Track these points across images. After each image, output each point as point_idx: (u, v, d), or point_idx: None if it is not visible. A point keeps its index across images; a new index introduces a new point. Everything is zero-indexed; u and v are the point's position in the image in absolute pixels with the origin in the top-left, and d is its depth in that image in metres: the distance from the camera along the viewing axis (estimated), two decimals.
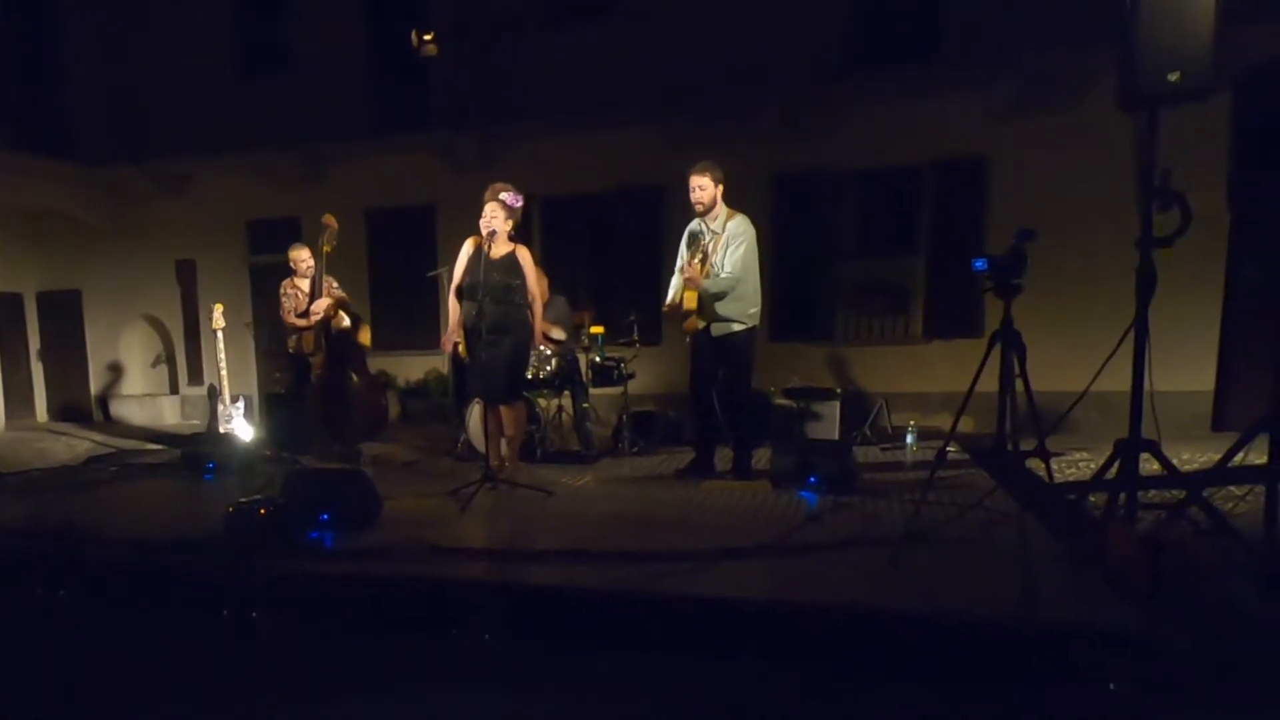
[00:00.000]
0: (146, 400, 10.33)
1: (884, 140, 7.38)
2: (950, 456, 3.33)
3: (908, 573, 2.74)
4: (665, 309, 4.56)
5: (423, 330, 8.79)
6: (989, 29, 6.80)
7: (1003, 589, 2.41)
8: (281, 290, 5.70)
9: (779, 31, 7.50)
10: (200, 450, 5.36)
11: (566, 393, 5.74)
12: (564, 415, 5.94)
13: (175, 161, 9.64)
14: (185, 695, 2.39)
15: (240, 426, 6.22)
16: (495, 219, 4.30)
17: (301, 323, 5.54)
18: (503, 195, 4.33)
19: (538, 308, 4.51)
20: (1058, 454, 5.33)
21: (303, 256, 5.64)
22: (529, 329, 4.47)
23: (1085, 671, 2.19)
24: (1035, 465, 3.23)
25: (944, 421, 3.14)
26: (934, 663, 2.33)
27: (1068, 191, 6.76)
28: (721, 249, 4.31)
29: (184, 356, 10.45)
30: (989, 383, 2.79)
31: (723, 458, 4.71)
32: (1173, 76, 2.90)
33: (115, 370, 10.70)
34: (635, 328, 5.68)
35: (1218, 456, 3.29)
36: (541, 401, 5.70)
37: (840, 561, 2.93)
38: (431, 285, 7.41)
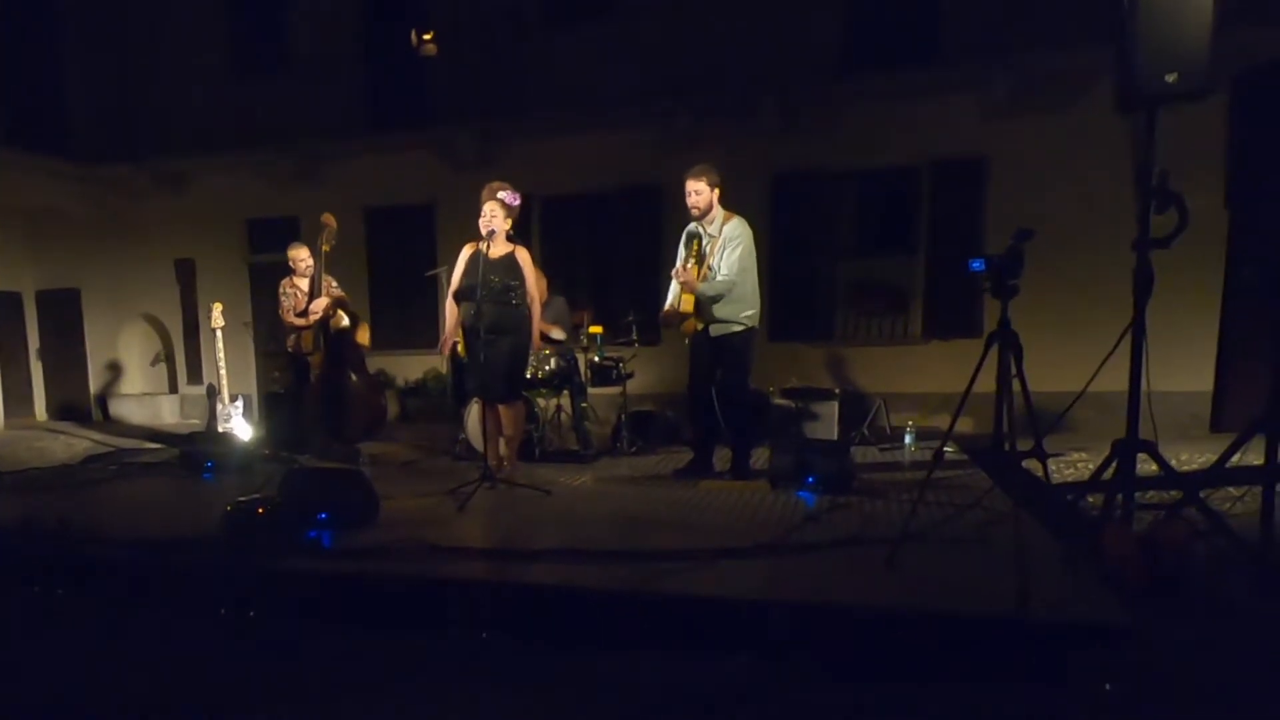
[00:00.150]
0: (145, 399, 10.33)
1: (883, 140, 7.39)
2: (949, 457, 3.34)
3: (905, 572, 2.74)
4: (662, 315, 4.56)
5: (422, 330, 8.80)
6: (988, 29, 6.81)
7: (1000, 588, 2.41)
8: (280, 289, 5.70)
9: (779, 31, 7.51)
10: (199, 449, 5.35)
11: (565, 392, 5.74)
12: (563, 415, 5.95)
13: (174, 160, 9.65)
14: (183, 694, 2.40)
15: (239, 426, 6.22)
16: (495, 219, 4.30)
17: (300, 322, 5.54)
18: (501, 194, 4.33)
19: (536, 308, 4.51)
20: (1056, 454, 5.34)
21: (302, 255, 5.64)
22: (528, 329, 4.47)
23: (1081, 671, 2.19)
24: (1032, 466, 3.24)
25: (943, 422, 3.14)
26: (931, 662, 2.33)
27: (1067, 192, 6.78)
28: (719, 251, 4.32)
29: (183, 355, 10.46)
30: (988, 383, 2.80)
31: (721, 458, 4.71)
32: (1170, 78, 2.91)
33: (114, 369, 10.70)
34: (634, 327, 5.68)
35: (1216, 457, 3.30)
36: (540, 401, 5.70)
37: (838, 561, 2.94)
38: (431, 285, 7.42)
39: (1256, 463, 3.07)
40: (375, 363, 7.91)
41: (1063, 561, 2.75)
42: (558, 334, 5.70)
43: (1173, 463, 3.28)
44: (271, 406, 6.68)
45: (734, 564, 2.91)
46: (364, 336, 5.70)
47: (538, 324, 4.56)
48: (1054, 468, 4.92)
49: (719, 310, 4.33)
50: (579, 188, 8.43)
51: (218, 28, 9.68)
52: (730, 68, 7.64)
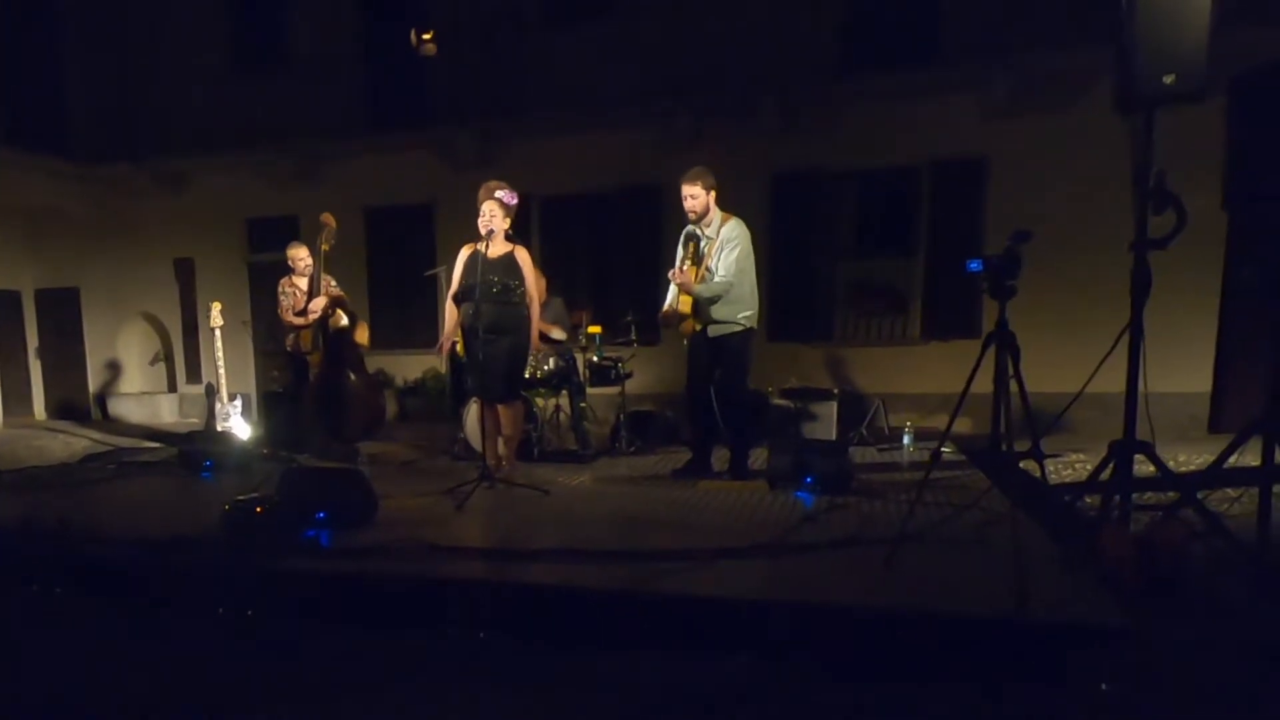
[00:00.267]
0: (145, 398, 10.33)
1: (883, 140, 7.39)
2: (947, 457, 3.35)
3: (903, 573, 2.75)
4: (661, 315, 4.56)
5: (421, 329, 8.81)
6: (988, 29, 6.82)
7: (997, 589, 2.42)
8: (280, 288, 5.70)
9: (779, 31, 7.52)
10: (198, 448, 5.35)
11: (564, 392, 5.75)
12: (561, 414, 5.95)
13: (173, 159, 9.65)
14: (184, 694, 2.40)
15: (238, 425, 6.22)
16: (494, 218, 4.30)
17: (299, 321, 5.54)
18: (498, 193, 4.32)
19: (536, 308, 4.50)
20: (1054, 455, 5.35)
21: (301, 255, 5.64)
22: (527, 329, 4.46)
23: (1079, 671, 2.20)
24: (1030, 466, 3.25)
25: (941, 422, 3.15)
26: (929, 662, 2.34)
27: (1066, 192, 6.79)
28: (716, 253, 4.31)
29: (182, 354, 10.46)
30: (986, 384, 2.80)
31: (720, 458, 4.71)
32: (1168, 79, 2.92)
33: (113, 368, 10.71)
34: (633, 327, 5.67)
35: (1214, 458, 3.31)
36: (539, 401, 5.70)
37: (836, 561, 2.94)
38: (430, 284, 7.42)
39: (1254, 464, 3.07)
40: (374, 362, 7.92)
41: (1060, 562, 2.76)
42: (558, 334, 5.70)
43: (1170, 464, 3.29)
44: (270, 406, 6.67)
45: (732, 564, 2.91)
46: (363, 336, 5.71)
47: (537, 324, 4.56)
48: (1052, 469, 4.92)
49: (717, 311, 4.33)
50: (579, 188, 8.43)
51: (218, 27, 9.68)
52: (730, 68, 7.64)
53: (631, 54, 7.94)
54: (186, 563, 3.19)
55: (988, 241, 6.97)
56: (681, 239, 4.57)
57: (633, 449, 5.62)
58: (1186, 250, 3.25)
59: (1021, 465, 3.38)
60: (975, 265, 2.85)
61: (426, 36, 8.19)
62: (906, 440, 5.29)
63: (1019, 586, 2.33)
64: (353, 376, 5.56)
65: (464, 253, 4.43)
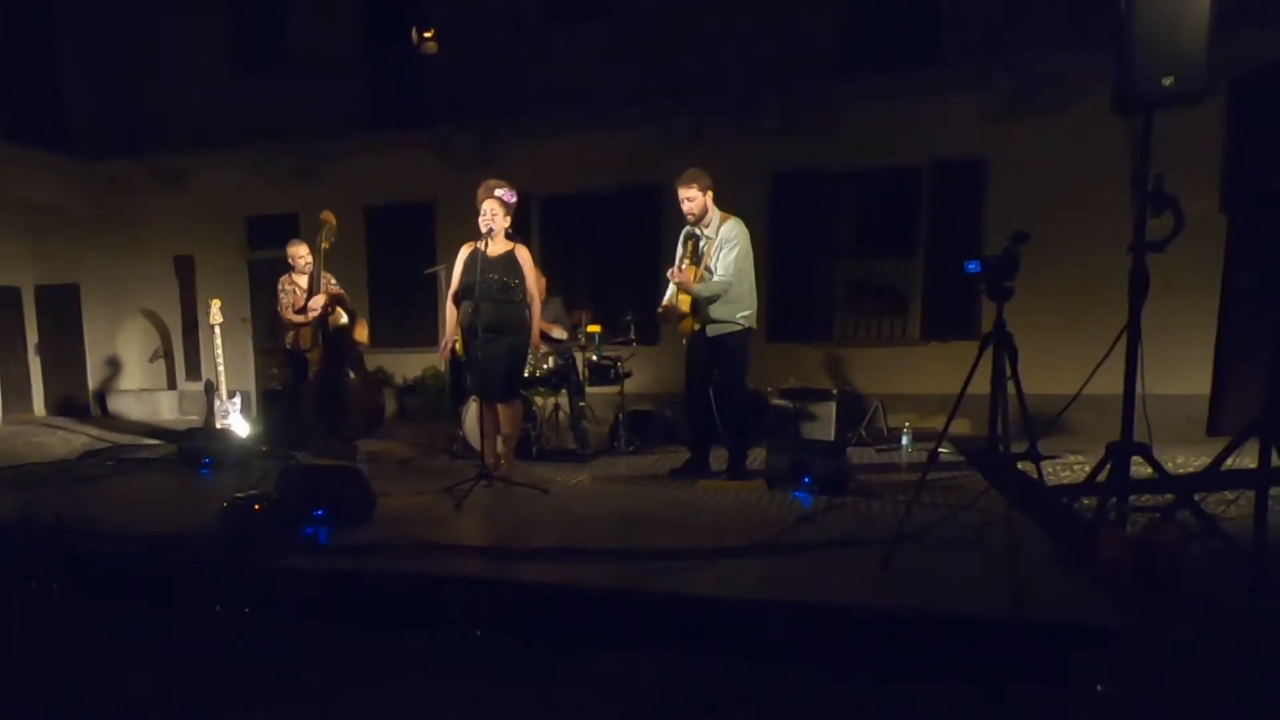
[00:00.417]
0: (144, 395, 10.34)
1: (883, 140, 7.39)
2: (946, 458, 3.35)
3: (900, 573, 2.75)
4: (660, 310, 4.56)
5: (420, 328, 8.81)
6: (988, 29, 6.82)
7: (995, 589, 2.42)
8: (279, 286, 5.70)
9: (779, 31, 7.52)
10: (197, 445, 5.35)
11: (563, 391, 5.75)
12: (560, 414, 5.95)
13: (174, 156, 9.65)
14: (182, 693, 2.40)
15: (237, 422, 6.23)
16: (495, 217, 4.29)
17: (299, 319, 5.54)
18: (498, 192, 4.32)
19: (536, 306, 4.50)
20: (1052, 456, 5.35)
21: (301, 253, 5.64)
22: (527, 328, 4.46)
23: (1076, 671, 2.20)
24: (1027, 467, 3.25)
25: (941, 423, 3.15)
26: (927, 662, 2.34)
27: (1065, 194, 6.78)
28: (715, 252, 4.32)
29: (182, 352, 10.46)
30: (986, 385, 2.80)
31: (718, 458, 4.71)
32: (1167, 81, 2.92)
33: (113, 365, 10.71)
34: (632, 327, 5.68)
35: (1211, 460, 3.31)
36: (538, 400, 5.71)
37: (834, 561, 2.94)
38: (430, 283, 7.42)
39: (1252, 466, 3.08)
40: (374, 360, 7.92)
41: (1058, 563, 2.76)
42: (559, 333, 5.71)
43: (1169, 466, 3.30)
44: (269, 403, 6.68)
45: (731, 564, 2.92)
46: (362, 334, 5.71)
47: (538, 323, 4.56)
48: (1051, 470, 4.93)
49: (716, 310, 4.34)
50: (579, 187, 8.43)
51: (218, 25, 9.67)
52: (730, 68, 7.64)
53: (631, 54, 7.94)
54: (184, 559, 3.20)
55: (988, 242, 6.98)
56: (681, 238, 4.57)
57: (631, 448, 5.63)
58: (1186, 252, 3.25)
59: (1019, 466, 3.38)
60: (973, 266, 2.85)
61: (427, 35, 8.20)
62: (905, 441, 5.28)
63: (1016, 587, 2.34)
64: (352, 374, 5.57)
65: (464, 251, 4.43)
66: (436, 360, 8.13)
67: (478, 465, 4.26)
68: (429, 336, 8.28)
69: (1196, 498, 3.10)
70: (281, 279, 5.72)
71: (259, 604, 3.00)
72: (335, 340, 5.53)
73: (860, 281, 7.91)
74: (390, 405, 8.36)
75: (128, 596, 3.17)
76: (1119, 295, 3.24)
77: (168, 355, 10.63)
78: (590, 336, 5.71)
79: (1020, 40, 6.64)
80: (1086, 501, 3.50)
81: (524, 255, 4.43)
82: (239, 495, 3.46)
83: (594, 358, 5.70)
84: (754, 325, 4.48)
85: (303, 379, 5.67)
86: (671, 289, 4.48)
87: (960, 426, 3.02)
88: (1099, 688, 2.15)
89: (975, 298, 6.76)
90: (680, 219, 4.56)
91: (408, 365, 9.01)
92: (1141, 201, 3.11)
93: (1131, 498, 3.35)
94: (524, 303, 4.40)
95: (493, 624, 2.73)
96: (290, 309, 5.58)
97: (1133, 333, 3.13)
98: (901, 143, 7.35)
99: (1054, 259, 6.06)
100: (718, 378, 4.46)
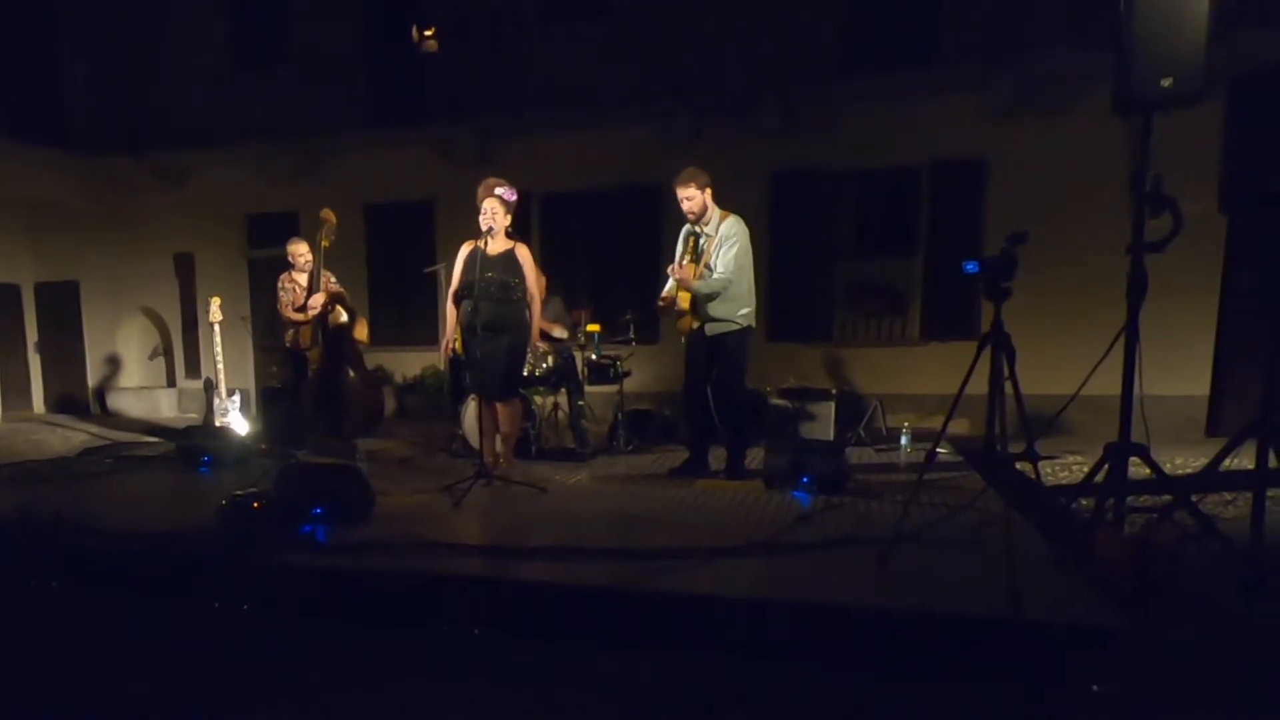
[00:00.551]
0: (143, 393, 10.33)
1: (883, 140, 7.39)
2: (944, 458, 3.35)
3: (898, 573, 2.76)
4: (660, 302, 4.57)
5: (420, 326, 8.80)
6: (988, 29, 6.81)
7: (992, 589, 2.43)
8: (279, 284, 5.69)
9: (779, 31, 7.51)
10: (196, 443, 5.36)
11: (562, 390, 5.75)
12: (560, 413, 5.95)
13: (174, 154, 9.64)
14: (179, 691, 2.40)
15: (236, 420, 6.23)
16: (495, 215, 4.29)
17: (299, 317, 5.54)
18: (498, 190, 4.32)
19: (537, 305, 4.50)
20: (1050, 457, 5.35)
21: (301, 251, 5.64)
22: (526, 327, 4.46)
23: (1071, 671, 2.21)
24: (1025, 468, 3.25)
25: (940, 423, 3.16)
26: (926, 662, 2.35)
27: (1065, 194, 6.78)
28: (715, 250, 4.32)
29: (181, 349, 10.46)
30: (985, 385, 2.81)
31: (717, 457, 4.72)
32: (1165, 82, 2.92)
33: (113, 362, 10.70)
34: (632, 326, 5.68)
35: (1209, 461, 3.32)
36: (537, 399, 5.71)
37: (832, 561, 2.95)
38: (429, 281, 7.42)
39: (1249, 467, 3.08)
40: (373, 359, 7.91)
41: (1055, 563, 2.77)
42: (559, 332, 5.71)
43: (1167, 467, 3.30)
44: (269, 401, 6.68)
45: (729, 563, 2.92)
46: (362, 332, 5.71)
47: (538, 322, 4.56)
48: (1049, 470, 4.93)
49: (715, 309, 4.34)
50: (579, 186, 8.42)
51: (218, 23, 9.66)
52: (730, 68, 7.63)
53: (631, 53, 7.93)
54: (183, 558, 3.20)
55: (987, 242, 6.97)
56: (681, 236, 4.57)
57: (630, 447, 5.63)
58: (1185, 252, 3.25)
59: (1017, 466, 3.39)
60: (971, 267, 2.86)
61: (428, 33, 8.20)
62: (904, 441, 5.29)
63: (1014, 587, 2.34)
64: (351, 373, 5.57)
65: (464, 250, 4.42)
66: (436, 359, 8.14)
67: (477, 464, 4.26)
68: (428, 335, 8.27)
69: (1194, 498, 3.10)
70: (281, 277, 5.72)
71: (258, 602, 3.00)
72: (335, 338, 5.53)
73: (860, 281, 7.91)
74: (390, 404, 8.36)
75: (127, 594, 3.17)
76: (1118, 296, 3.24)
77: (167, 353, 10.62)
78: (590, 336, 5.71)
79: (1020, 40, 6.64)
80: (1084, 502, 3.51)
81: (524, 254, 4.43)
82: (238, 493, 3.46)
83: (593, 357, 5.71)
84: (753, 324, 4.48)
85: (302, 377, 5.67)
86: (671, 284, 4.48)
87: (959, 427, 3.02)
88: (1096, 688, 2.16)
89: (975, 298, 6.77)
90: (680, 218, 4.56)
91: (407, 364, 9.01)
92: (1140, 202, 3.11)
93: (1129, 498, 3.35)
94: (524, 302, 4.40)
95: (492, 623, 2.74)
96: (290, 307, 5.58)
97: (1131, 333, 3.14)
98: (901, 143, 7.34)
99: (1053, 259, 6.07)
100: (716, 377, 4.46)
